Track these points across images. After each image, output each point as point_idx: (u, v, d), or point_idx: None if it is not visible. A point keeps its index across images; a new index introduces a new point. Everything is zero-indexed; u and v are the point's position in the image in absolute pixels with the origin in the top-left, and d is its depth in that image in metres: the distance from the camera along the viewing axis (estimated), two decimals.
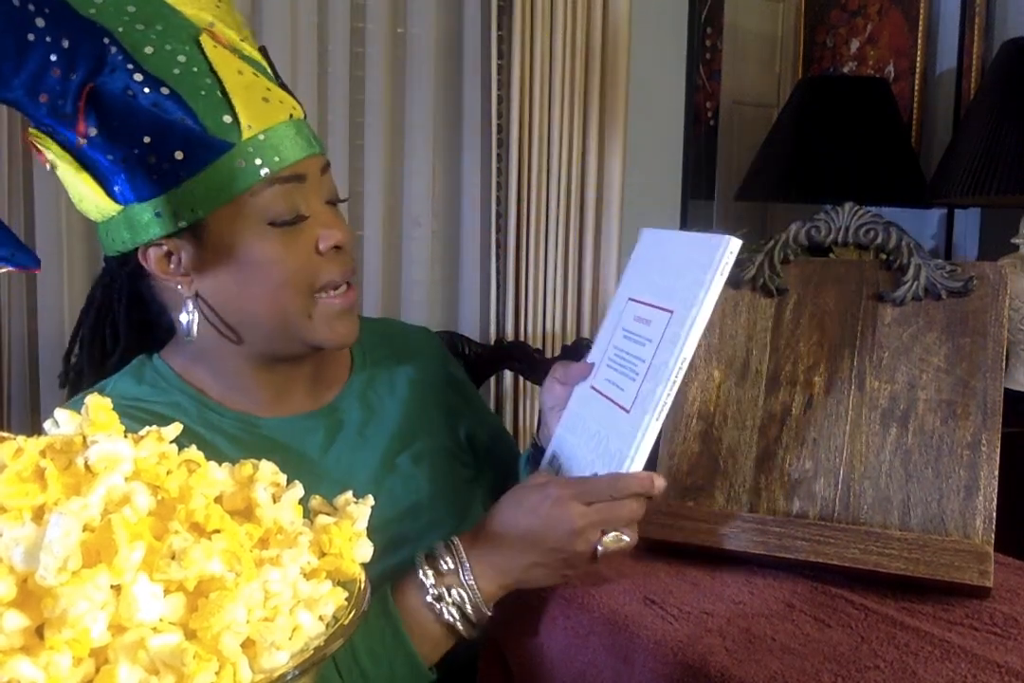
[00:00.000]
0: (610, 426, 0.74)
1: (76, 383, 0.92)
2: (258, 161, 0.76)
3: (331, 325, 0.83)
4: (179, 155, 0.75)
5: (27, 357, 1.59)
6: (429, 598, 0.71)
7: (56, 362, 1.57)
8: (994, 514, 0.69)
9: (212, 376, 0.87)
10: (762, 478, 0.75)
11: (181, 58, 0.76)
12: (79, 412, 0.48)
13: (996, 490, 0.69)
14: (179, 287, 0.81)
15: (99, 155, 0.76)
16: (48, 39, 0.71)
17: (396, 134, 1.85)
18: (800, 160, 1.99)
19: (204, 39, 0.78)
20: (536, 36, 1.87)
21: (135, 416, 0.80)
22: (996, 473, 0.70)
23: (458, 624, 0.72)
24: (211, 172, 0.76)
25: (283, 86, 0.84)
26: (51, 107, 0.73)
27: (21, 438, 0.44)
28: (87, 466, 0.43)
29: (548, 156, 1.92)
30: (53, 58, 0.72)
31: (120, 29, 0.75)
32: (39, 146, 0.78)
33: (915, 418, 0.73)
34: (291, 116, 0.80)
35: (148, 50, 0.75)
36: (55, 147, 0.77)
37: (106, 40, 0.74)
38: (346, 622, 0.46)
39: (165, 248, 0.80)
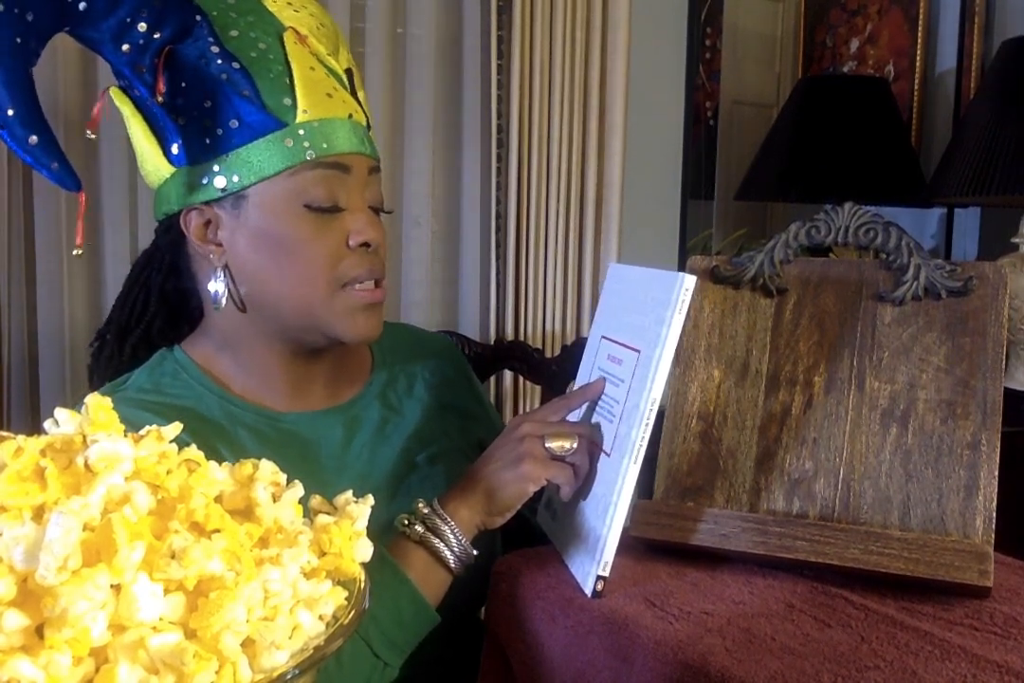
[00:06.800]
0: (595, 470, 0.75)
1: (98, 356, 0.93)
2: (306, 144, 0.79)
3: (353, 317, 0.84)
4: (234, 124, 0.78)
5: (27, 357, 1.58)
6: (408, 532, 0.78)
7: (56, 362, 1.57)
8: (994, 514, 0.69)
9: (234, 367, 0.88)
10: (762, 478, 0.75)
11: (262, 45, 0.80)
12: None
13: (996, 490, 0.69)
14: (211, 256, 0.83)
15: (164, 114, 0.80)
16: None
17: (396, 134, 1.84)
18: (800, 160, 1.99)
19: (287, 35, 0.82)
20: (536, 36, 1.86)
21: (157, 411, 0.81)
22: (996, 473, 0.70)
23: (443, 549, 0.77)
24: (260, 145, 0.79)
25: (357, 100, 0.87)
26: (131, 59, 0.78)
27: (21, 437, 0.44)
28: (87, 465, 0.43)
29: (548, 156, 1.91)
30: (144, 13, 0.76)
31: (215, 13, 0.80)
32: (117, 104, 0.82)
33: (915, 418, 0.73)
34: (350, 116, 0.83)
35: (233, 33, 0.80)
36: (130, 105, 0.81)
37: (198, 17, 0.79)
38: (346, 622, 0.46)
39: (206, 215, 0.82)
